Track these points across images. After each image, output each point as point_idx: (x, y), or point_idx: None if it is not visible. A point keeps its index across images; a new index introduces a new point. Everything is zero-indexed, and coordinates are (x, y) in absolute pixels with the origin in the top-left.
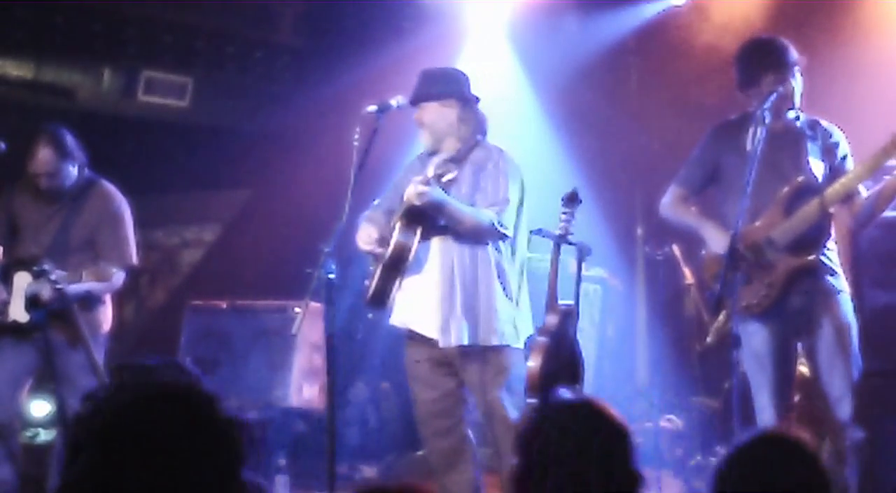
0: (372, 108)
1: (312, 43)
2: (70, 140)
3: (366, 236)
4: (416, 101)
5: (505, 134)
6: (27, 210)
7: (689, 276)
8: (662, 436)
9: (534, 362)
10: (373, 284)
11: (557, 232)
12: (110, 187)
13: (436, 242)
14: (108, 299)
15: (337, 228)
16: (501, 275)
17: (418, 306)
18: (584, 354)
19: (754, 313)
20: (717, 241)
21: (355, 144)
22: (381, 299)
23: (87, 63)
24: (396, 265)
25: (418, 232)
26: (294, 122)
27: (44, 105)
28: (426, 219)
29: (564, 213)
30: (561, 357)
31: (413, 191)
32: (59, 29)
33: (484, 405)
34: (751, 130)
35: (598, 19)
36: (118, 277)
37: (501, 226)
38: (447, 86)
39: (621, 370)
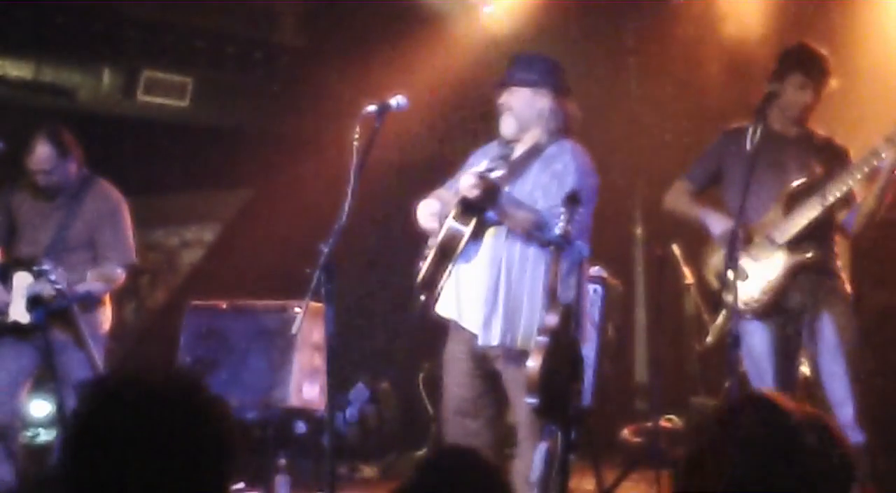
0: (372, 108)
1: (312, 43)
2: (68, 138)
3: (427, 210)
4: (508, 84)
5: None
6: (26, 209)
7: (689, 276)
8: (662, 436)
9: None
10: (424, 267)
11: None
12: (108, 186)
13: (488, 237)
14: (107, 299)
15: (337, 228)
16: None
17: (464, 298)
18: (584, 354)
19: (755, 312)
20: (717, 223)
21: (355, 144)
22: (430, 283)
23: (87, 63)
24: (447, 253)
25: (472, 222)
26: (294, 122)
27: (44, 105)
28: (480, 211)
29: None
30: (561, 357)
31: (466, 183)
32: (59, 29)
33: (514, 408)
34: (750, 129)
35: (598, 19)
36: (120, 275)
37: (556, 229)
38: (543, 74)
39: (621, 370)
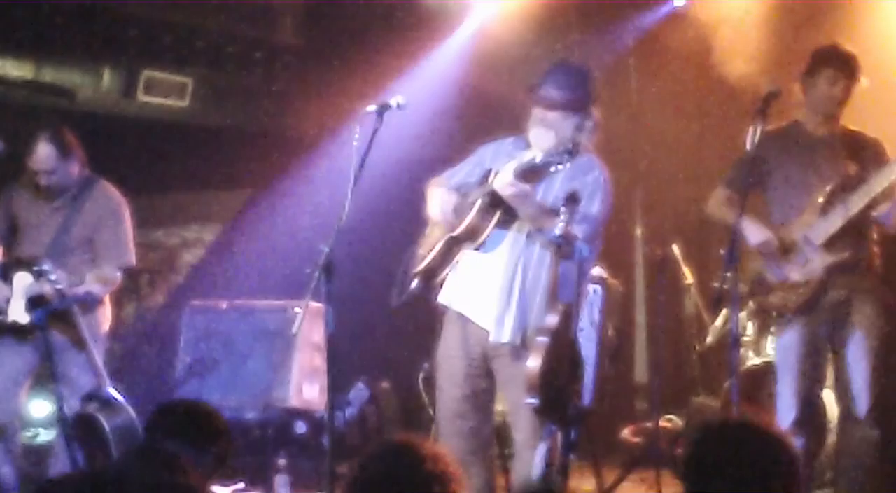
0: (372, 108)
1: (312, 43)
2: (70, 138)
3: (440, 204)
4: (558, 108)
5: (503, 133)
6: (27, 209)
7: (689, 276)
8: (662, 436)
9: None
10: (430, 255)
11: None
12: (110, 187)
13: (510, 234)
14: (107, 299)
15: (337, 228)
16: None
17: (475, 292)
18: (584, 354)
19: (793, 311)
20: (753, 233)
21: (355, 144)
22: (433, 272)
23: (87, 63)
24: (463, 244)
25: (496, 216)
26: (294, 122)
27: (44, 105)
28: (508, 207)
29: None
30: (561, 357)
31: (504, 179)
32: (59, 29)
33: (512, 406)
34: (750, 129)
35: (598, 19)
36: (118, 277)
37: (580, 242)
38: (587, 95)
39: (621, 370)
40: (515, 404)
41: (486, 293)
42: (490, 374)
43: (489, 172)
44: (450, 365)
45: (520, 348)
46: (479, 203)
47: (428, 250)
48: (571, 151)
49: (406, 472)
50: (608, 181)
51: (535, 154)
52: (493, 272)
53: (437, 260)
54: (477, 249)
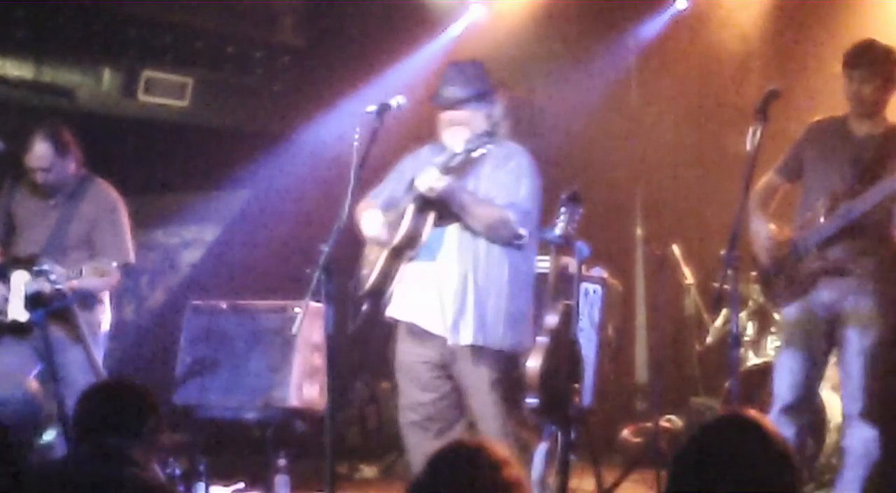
0: (372, 108)
1: (312, 43)
2: (67, 136)
3: (373, 221)
4: (461, 106)
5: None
6: (24, 208)
7: (689, 276)
8: (662, 436)
9: (534, 362)
10: (374, 271)
11: (557, 232)
12: (107, 185)
13: (453, 235)
14: (106, 298)
15: (337, 228)
16: (515, 278)
17: (426, 299)
18: (584, 354)
19: (780, 306)
20: (753, 230)
21: (355, 144)
22: (380, 289)
23: (87, 63)
24: (404, 252)
25: (430, 218)
26: (294, 122)
27: (44, 105)
28: (440, 206)
29: (564, 213)
30: (560, 357)
31: (427, 179)
32: (59, 29)
33: (478, 409)
34: (750, 129)
35: (598, 19)
36: (115, 270)
37: (517, 226)
38: (487, 84)
39: (621, 370)
40: (480, 409)
41: (439, 300)
42: (451, 378)
43: (413, 180)
44: (414, 372)
45: (481, 349)
46: (410, 209)
47: (370, 268)
48: (490, 134)
49: (483, 478)
50: (532, 164)
51: (456, 148)
52: (444, 278)
53: (382, 276)
54: (420, 256)
